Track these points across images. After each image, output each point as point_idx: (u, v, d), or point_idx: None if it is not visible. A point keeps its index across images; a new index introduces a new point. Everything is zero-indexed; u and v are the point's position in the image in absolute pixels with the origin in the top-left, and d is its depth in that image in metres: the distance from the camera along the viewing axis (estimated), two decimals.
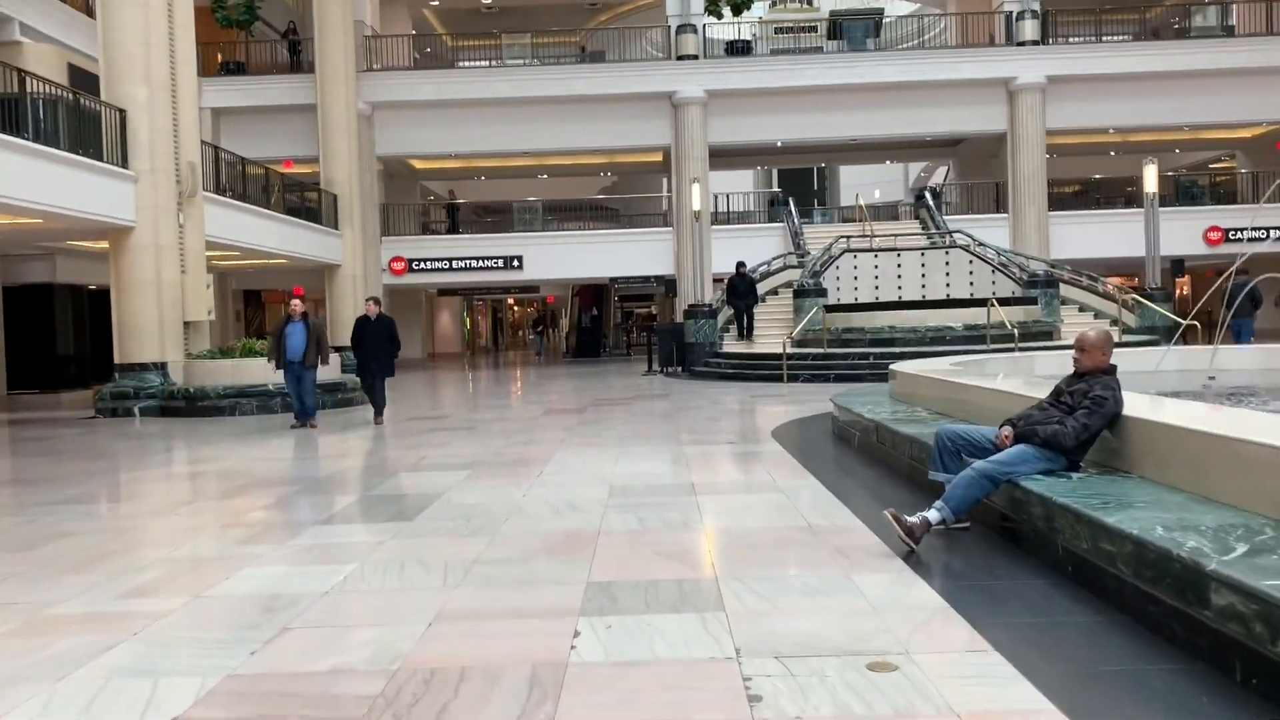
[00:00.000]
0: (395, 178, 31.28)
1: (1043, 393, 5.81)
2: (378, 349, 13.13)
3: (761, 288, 24.19)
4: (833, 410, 10.12)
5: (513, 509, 6.55)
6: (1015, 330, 17.19)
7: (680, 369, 21.38)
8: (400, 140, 28.32)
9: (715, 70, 27.77)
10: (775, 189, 30.15)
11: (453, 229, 31.30)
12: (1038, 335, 19.18)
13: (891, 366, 10.66)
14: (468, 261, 28.44)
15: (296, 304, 13.09)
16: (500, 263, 28.39)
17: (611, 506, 6.48)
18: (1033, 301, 20.62)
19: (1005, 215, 28.16)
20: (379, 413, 13.10)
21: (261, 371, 15.47)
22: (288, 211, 23.74)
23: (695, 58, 27.78)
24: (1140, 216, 27.90)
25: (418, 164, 31.68)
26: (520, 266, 28.37)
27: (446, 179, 34.49)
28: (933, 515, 5.08)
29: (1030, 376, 9.40)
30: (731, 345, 21.57)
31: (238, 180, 20.82)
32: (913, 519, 5.03)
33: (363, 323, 13.49)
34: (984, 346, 17.84)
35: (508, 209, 31.42)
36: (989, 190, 30.28)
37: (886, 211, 33.06)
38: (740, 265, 22.22)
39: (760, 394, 15.57)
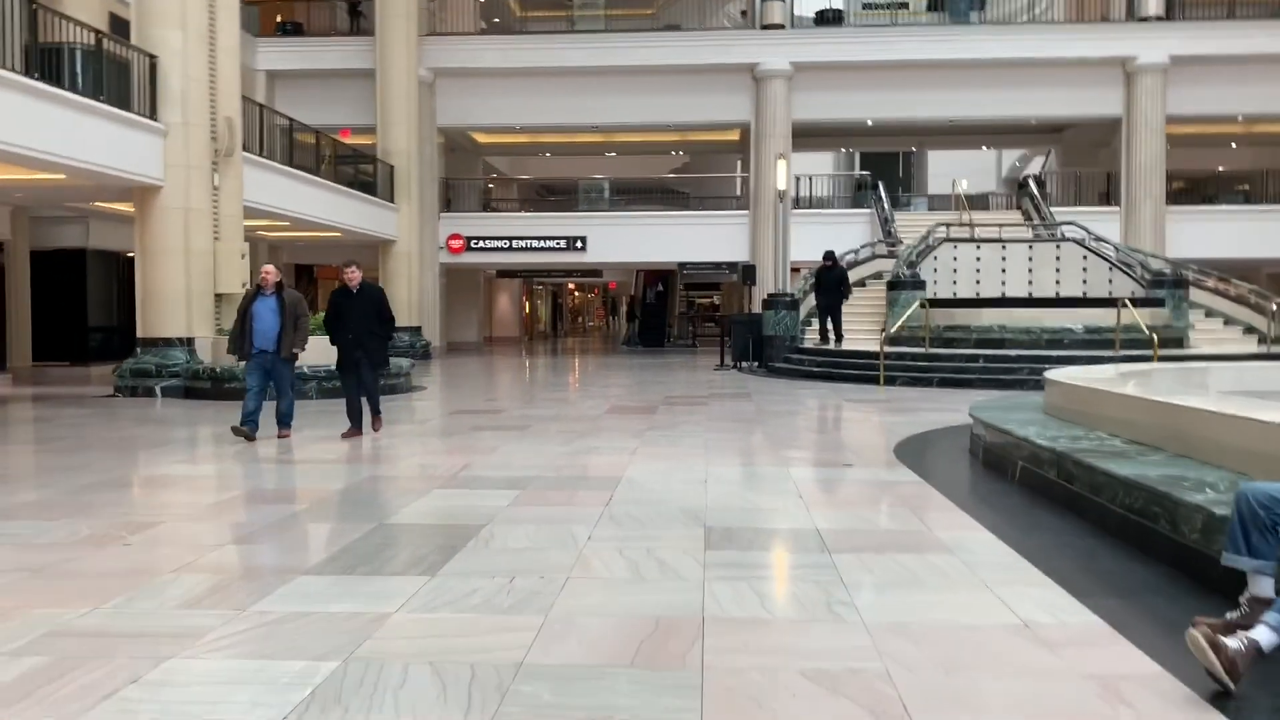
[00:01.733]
0: (457, 152, 29.65)
1: None
2: (364, 330, 9.53)
3: (849, 277, 22.04)
4: (976, 428, 8.10)
5: (575, 561, 4.69)
6: (1154, 335, 14.92)
7: (757, 364, 19.41)
8: (463, 110, 26.64)
9: (803, 41, 25.62)
10: (862, 172, 27.87)
11: (515, 208, 29.61)
12: (1167, 342, 16.85)
13: (1048, 375, 8.61)
14: (529, 241, 26.69)
15: (270, 270, 9.73)
16: (563, 243, 26.59)
17: (713, 567, 4.58)
18: (1160, 303, 18.25)
19: (1115, 209, 25.63)
20: (376, 415, 9.72)
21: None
22: (341, 181, 22.20)
23: (781, 27, 25.66)
24: (1273, 214, 25.37)
25: (480, 138, 30.01)
26: (583, 248, 26.55)
27: (510, 154, 32.83)
28: (1264, 636, 3.11)
29: (1255, 396, 7.28)
30: (817, 341, 19.50)
31: (285, 144, 19.26)
32: (1232, 642, 3.07)
33: (342, 296, 9.76)
34: (1112, 353, 15.62)
35: (572, 189, 29.58)
36: (1096, 181, 27.74)
37: (977, 202, 30.51)
38: (828, 255, 19.35)
39: (856, 399, 13.54)
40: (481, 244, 26.81)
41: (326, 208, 20.98)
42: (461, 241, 26.74)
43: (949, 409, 11.94)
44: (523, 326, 39.32)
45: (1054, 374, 8.54)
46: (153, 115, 14.03)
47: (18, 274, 17.45)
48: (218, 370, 13.67)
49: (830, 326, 18.93)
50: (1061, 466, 6.05)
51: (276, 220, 20.42)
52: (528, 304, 41.38)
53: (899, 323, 16.98)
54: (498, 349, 30.26)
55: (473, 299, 31.64)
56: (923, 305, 17.21)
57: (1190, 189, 31.09)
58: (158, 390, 13.91)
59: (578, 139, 29.83)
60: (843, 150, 33.42)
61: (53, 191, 14.96)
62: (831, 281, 18.90)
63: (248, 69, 25.02)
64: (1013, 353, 15.97)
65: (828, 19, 26.36)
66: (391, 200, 24.54)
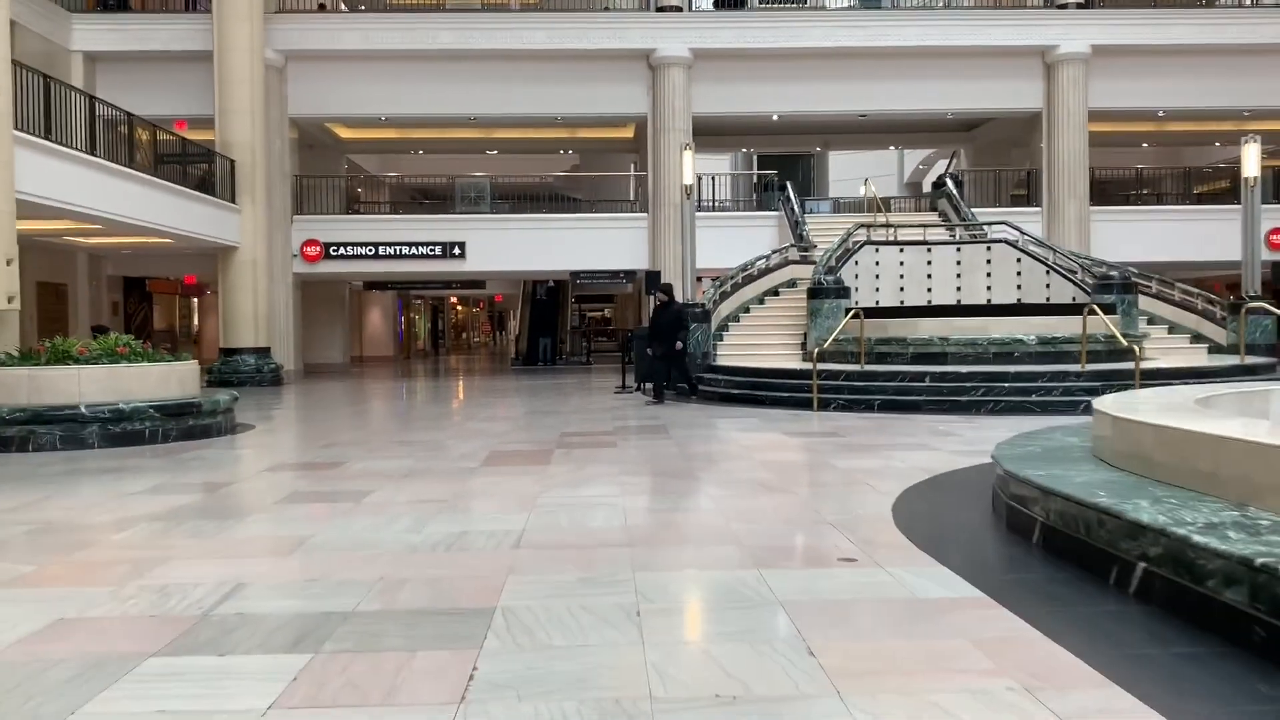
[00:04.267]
0: (315, 149, 26.24)
1: None
2: None
3: (760, 286, 19.65)
4: (1015, 487, 5.49)
5: None
6: (1136, 346, 12.81)
7: (665, 385, 16.72)
8: (318, 99, 23.33)
9: (703, 25, 23.19)
10: (768, 172, 25.58)
11: (383, 211, 26.37)
12: (1119, 353, 14.84)
13: (1097, 405, 6.12)
14: (399, 248, 23.49)
15: None
16: (438, 250, 23.48)
17: None
18: (1111, 310, 16.28)
19: (1037, 209, 23.93)
20: None
21: (71, 386, 10.53)
22: (171, 179, 18.70)
23: (679, 10, 23.19)
24: (1201, 213, 24.06)
25: (343, 133, 26.67)
26: (462, 254, 23.48)
27: (377, 152, 29.52)
28: None
29: None
30: (732, 357, 16.93)
31: (84, 127, 15.74)
32: None
33: None
34: (1079, 367, 13.48)
35: (449, 193, 26.48)
36: (1011, 182, 26.10)
37: (882, 206, 28.71)
38: (661, 287, 16.13)
39: (795, 431, 10.97)
40: (343, 251, 23.48)
41: (147, 207, 17.50)
42: (319, 248, 23.37)
43: (916, 444, 9.47)
44: (398, 345, 35.88)
45: (1106, 406, 6.04)
46: None
47: None
48: None
49: (674, 381, 15.45)
50: (1267, 591, 3.47)
51: (83, 223, 16.87)
52: (404, 320, 37.92)
53: (831, 336, 14.49)
54: (367, 371, 26.90)
55: (336, 314, 28.19)
56: (856, 315, 14.78)
57: (1108, 190, 29.87)
58: None
59: (454, 134, 26.76)
60: (743, 151, 31.20)
61: None
62: (666, 324, 15.01)
63: (59, 49, 21.34)
64: (963, 369, 13.66)
65: (729, 2, 24.02)
66: (233, 200, 21.07)
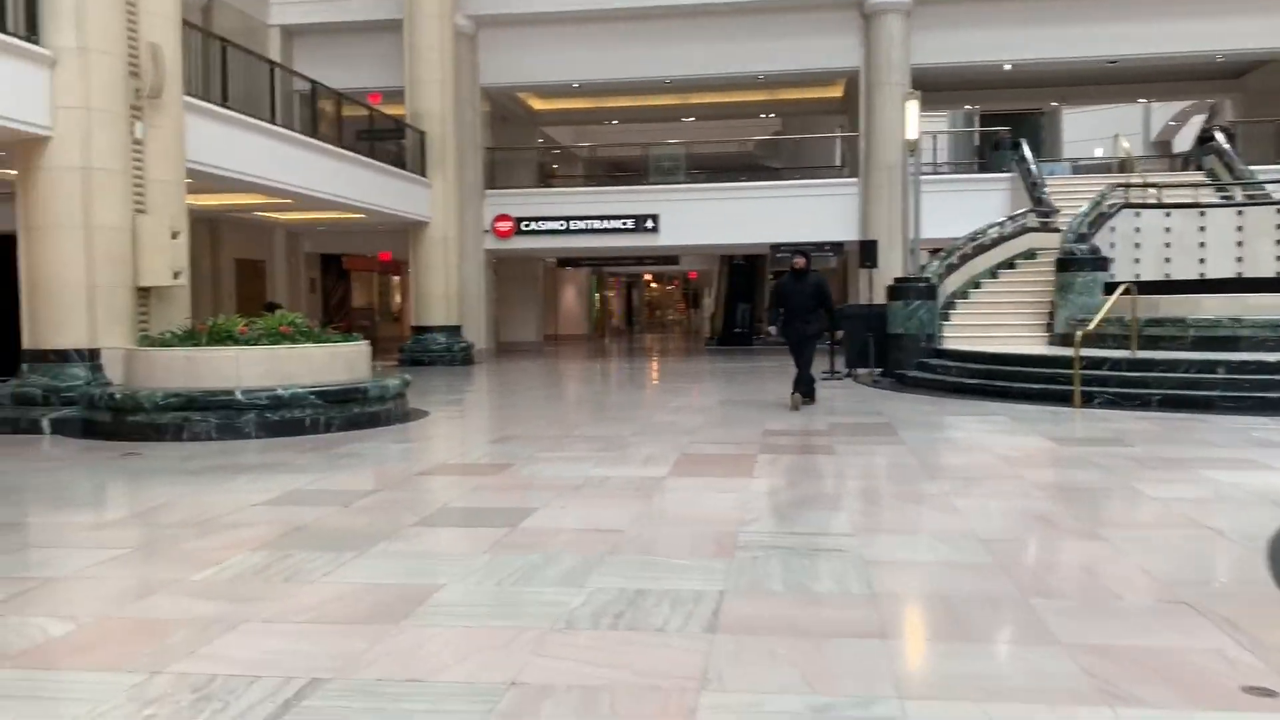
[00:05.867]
0: (508, 122, 25.41)
1: None
2: None
3: (991, 258, 17.15)
4: None
5: None
6: None
7: (880, 372, 14.68)
8: (510, 66, 22.36)
9: None
10: (1000, 128, 22.75)
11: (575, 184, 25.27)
12: None
13: None
14: (590, 222, 22.27)
15: None
16: (631, 223, 22.11)
17: None
18: None
19: None
20: None
21: (229, 369, 9.64)
22: (359, 151, 18.07)
23: None
24: None
25: (536, 104, 25.70)
26: (655, 228, 22.02)
27: (571, 123, 28.44)
28: None
29: None
30: (960, 339, 14.65)
31: (272, 98, 15.15)
32: None
33: None
34: None
35: (642, 166, 25.07)
36: None
37: (1129, 167, 25.21)
38: (797, 252, 11.42)
39: (1058, 434, 8.80)
40: (534, 226, 22.48)
41: (336, 181, 16.86)
42: (511, 224, 22.46)
43: (1239, 458, 7.26)
44: (592, 323, 35.00)
45: None
46: (31, 35, 9.94)
47: None
48: (117, 396, 9.51)
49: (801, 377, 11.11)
50: None
51: (273, 196, 16.39)
52: (598, 297, 37.05)
53: (1100, 314, 11.99)
54: (559, 350, 25.97)
55: (530, 292, 27.40)
56: (1127, 291, 12.24)
57: None
58: (45, 424, 9.83)
59: (649, 101, 25.31)
60: (964, 109, 28.28)
61: None
62: (803, 297, 10.89)
63: (258, 25, 21.21)
64: (1270, 358, 10.94)
65: None
66: (424, 174, 20.36)
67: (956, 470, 7.23)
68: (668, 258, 31.37)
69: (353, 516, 5.81)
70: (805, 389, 11.12)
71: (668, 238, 22.25)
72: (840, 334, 11.43)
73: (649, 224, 21.98)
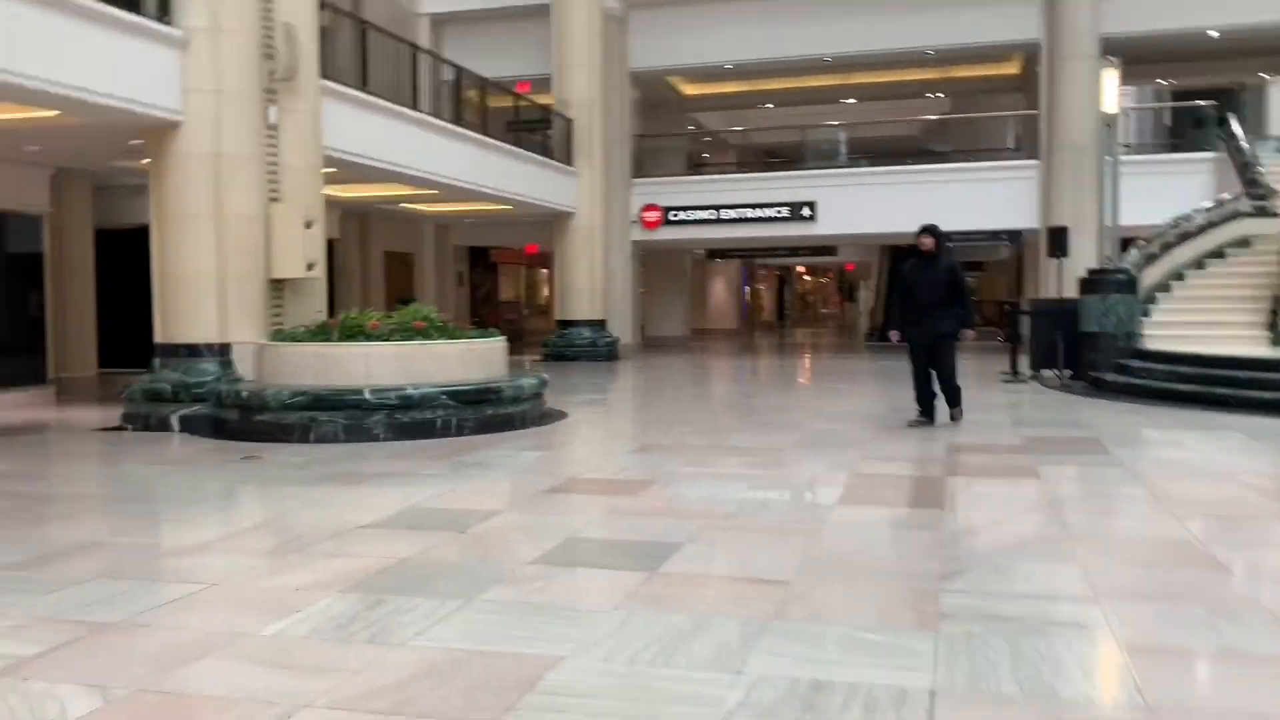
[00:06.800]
0: (657, 108, 24.52)
1: None
2: None
3: (1196, 247, 15.14)
4: None
5: None
6: None
7: (1070, 374, 13.06)
8: (661, 50, 21.44)
9: None
10: (1205, 102, 20.41)
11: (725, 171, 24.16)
12: None
13: None
14: (743, 211, 21.14)
15: None
16: (785, 211, 20.87)
17: None
18: None
19: None
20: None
21: (358, 367, 9.02)
22: (497, 137, 17.50)
23: None
24: None
25: (687, 89, 24.71)
26: (812, 216, 20.71)
27: (722, 108, 27.30)
28: None
29: None
30: (1164, 339, 12.86)
31: (417, 86, 14.66)
32: None
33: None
34: None
35: (798, 151, 23.73)
36: None
37: None
38: (926, 229, 9.18)
39: None
40: (683, 216, 21.51)
41: (481, 170, 16.27)
42: (658, 214, 21.56)
43: None
44: (742, 318, 33.84)
45: None
46: (163, 16, 9.56)
47: (74, 258, 13.75)
48: (244, 394, 9.02)
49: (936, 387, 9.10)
50: None
51: (418, 187, 15.95)
52: (748, 291, 35.85)
53: None
54: (708, 346, 24.95)
55: (678, 285, 26.49)
56: None
57: None
58: (174, 421, 9.46)
59: (806, 83, 23.96)
60: (1155, 84, 25.69)
61: (61, 140, 10.83)
62: (934, 287, 8.88)
63: (408, 14, 20.97)
64: None
65: None
66: (570, 163, 19.68)
67: (1201, 505, 5.84)
68: (823, 248, 29.94)
69: (466, 547, 4.94)
70: (952, 400, 9.07)
71: (825, 226, 20.90)
72: (971, 334, 8.76)
73: (805, 212, 20.69)
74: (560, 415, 10.32)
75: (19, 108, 9.33)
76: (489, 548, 4.94)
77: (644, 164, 22.47)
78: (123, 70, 9.03)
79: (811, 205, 20.66)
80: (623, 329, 20.94)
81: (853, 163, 22.63)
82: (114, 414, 10.07)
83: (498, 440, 8.65)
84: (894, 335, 9.25)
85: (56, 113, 9.34)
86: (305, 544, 5.01)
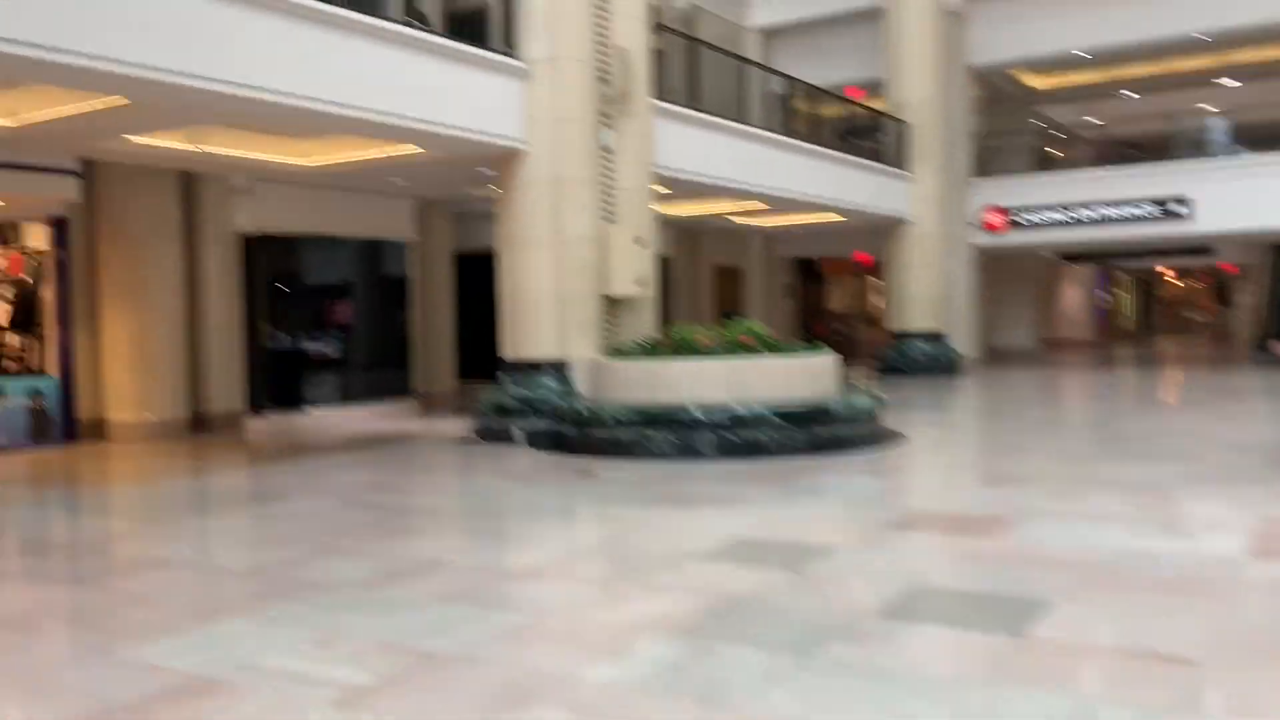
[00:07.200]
0: (999, 105, 22.90)
1: None
2: None
3: None
4: None
5: None
6: None
7: None
8: (1005, 41, 19.96)
9: None
10: None
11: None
12: None
13: None
14: (1100, 210, 19.16)
15: None
16: (1152, 209, 18.66)
17: None
18: None
19: None
20: None
21: (686, 383, 8.92)
22: (826, 145, 16.99)
23: None
24: None
25: (1033, 81, 22.87)
26: (1187, 214, 18.35)
27: (1072, 100, 25.03)
28: None
29: None
30: None
31: (735, 98, 14.52)
32: None
33: None
34: None
35: (1161, 142, 21.20)
36: None
37: None
38: None
39: None
40: (1031, 219, 19.85)
41: (811, 180, 15.85)
42: (1002, 216, 20.04)
43: None
44: (1099, 327, 30.92)
45: None
46: (508, 49, 9.99)
47: (435, 280, 14.85)
48: (582, 410, 9.19)
49: None
50: None
51: (745, 201, 15.83)
52: (1105, 296, 32.71)
53: None
54: (1061, 358, 22.92)
55: (1023, 293, 24.60)
56: None
57: None
58: (518, 434, 9.84)
59: (1173, 67, 21.36)
60: None
61: (421, 172, 11.65)
62: None
63: (737, 29, 21.05)
64: None
65: None
66: (904, 168, 18.79)
67: None
68: (1194, 249, 26.59)
69: (799, 589, 4.53)
70: None
71: (1205, 223, 18.43)
72: None
73: (1178, 208, 18.37)
74: (898, 437, 9.65)
75: (386, 144, 10.14)
76: (825, 592, 4.50)
77: (985, 164, 21.04)
78: (473, 103, 9.53)
79: (1185, 201, 18.31)
80: (964, 340, 19.66)
81: (1232, 152, 19.85)
82: (467, 426, 10.66)
83: (830, 463, 8.17)
84: (1278, 347, 7.79)
85: (417, 148, 10.06)
86: (635, 572, 4.82)
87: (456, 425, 11.33)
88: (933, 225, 18.96)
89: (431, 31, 9.27)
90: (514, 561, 5.41)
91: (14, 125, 8.37)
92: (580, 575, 4.94)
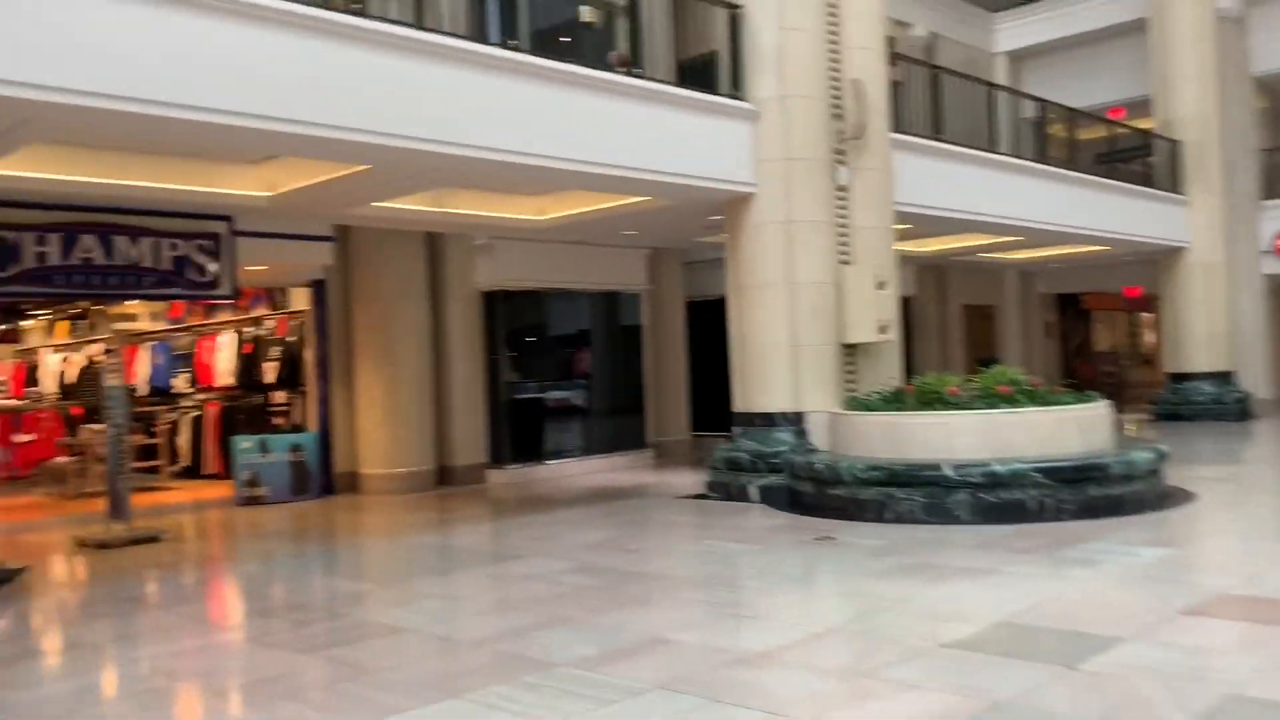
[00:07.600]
0: None
1: None
2: None
3: None
4: None
5: None
6: None
7: None
8: None
9: None
10: None
11: None
12: None
13: None
14: None
15: None
16: None
17: None
18: None
19: None
20: None
21: (935, 437, 8.20)
22: (1086, 171, 15.61)
23: None
24: None
25: None
26: None
27: None
28: None
29: None
30: None
31: (982, 126, 13.56)
32: None
33: None
34: None
35: None
36: None
37: None
38: None
39: None
40: None
41: (1068, 209, 14.57)
42: None
43: None
44: None
45: None
46: (735, 92, 9.70)
47: (668, 329, 14.63)
48: (818, 466, 8.64)
49: None
50: None
51: (998, 234, 14.79)
52: None
53: None
54: None
55: None
56: None
57: None
58: (752, 491, 9.40)
59: None
60: None
61: (652, 221, 11.52)
62: None
63: (981, 54, 19.99)
64: None
65: None
66: (1177, 191, 17.01)
67: None
68: None
69: (1080, 694, 3.81)
70: None
71: None
72: None
73: None
74: (1185, 496, 8.47)
75: (619, 197, 10.11)
76: (1113, 700, 3.76)
77: (1275, 184, 18.74)
78: (701, 149, 9.32)
79: None
80: (1256, 381, 17.44)
81: None
82: (700, 480, 10.32)
83: (1104, 528, 7.21)
84: None
85: (647, 198, 9.96)
86: (881, 665, 4.26)
87: (690, 479, 11.03)
88: (1214, 253, 17.03)
89: (655, 80, 9.13)
90: (747, 643, 4.95)
91: (273, 195, 8.91)
92: (820, 664, 4.42)
